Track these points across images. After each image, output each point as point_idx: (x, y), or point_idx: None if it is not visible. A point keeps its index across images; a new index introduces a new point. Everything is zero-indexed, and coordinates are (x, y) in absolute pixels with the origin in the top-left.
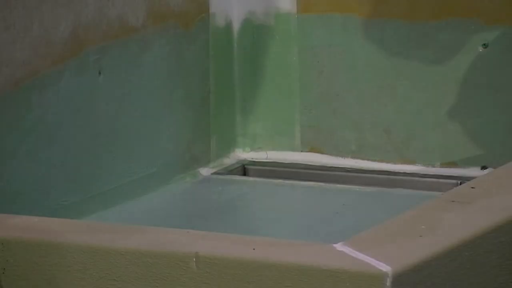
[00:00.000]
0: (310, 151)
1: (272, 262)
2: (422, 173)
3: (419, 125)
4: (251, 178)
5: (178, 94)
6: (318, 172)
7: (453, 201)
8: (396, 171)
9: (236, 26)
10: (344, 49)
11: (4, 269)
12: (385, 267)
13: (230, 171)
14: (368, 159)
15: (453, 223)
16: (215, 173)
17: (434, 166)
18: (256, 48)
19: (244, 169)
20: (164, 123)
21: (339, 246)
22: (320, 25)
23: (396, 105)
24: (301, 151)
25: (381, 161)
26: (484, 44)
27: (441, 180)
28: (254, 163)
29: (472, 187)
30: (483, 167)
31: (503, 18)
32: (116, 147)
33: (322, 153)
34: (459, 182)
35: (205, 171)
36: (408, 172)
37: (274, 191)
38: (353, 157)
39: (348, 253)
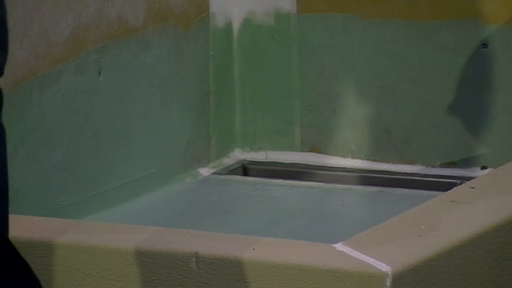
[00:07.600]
0: (310, 151)
1: (272, 262)
2: (422, 173)
3: (419, 125)
4: (251, 178)
5: (178, 94)
6: (318, 172)
7: (453, 201)
8: (396, 171)
9: (236, 26)
10: (344, 49)
11: None
12: (385, 267)
13: (230, 171)
14: (368, 159)
15: (453, 223)
16: (215, 173)
17: (434, 166)
18: (256, 48)
19: (244, 169)
20: (164, 123)
21: (339, 246)
22: (320, 25)
23: (396, 105)
24: (301, 151)
25: (381, 161)
26: (484, 44)
27: (441, 180)
28: (254, 163)
29: (472, 187)
30: (483, 167)
31: (503, 18)
32: (116, 147)
33: (322, 153)
34: (459, 182)
35: (205, 171)
36: (408, 172)
37: (274, 191)
38: (353, 157)
39: (348, 253)
